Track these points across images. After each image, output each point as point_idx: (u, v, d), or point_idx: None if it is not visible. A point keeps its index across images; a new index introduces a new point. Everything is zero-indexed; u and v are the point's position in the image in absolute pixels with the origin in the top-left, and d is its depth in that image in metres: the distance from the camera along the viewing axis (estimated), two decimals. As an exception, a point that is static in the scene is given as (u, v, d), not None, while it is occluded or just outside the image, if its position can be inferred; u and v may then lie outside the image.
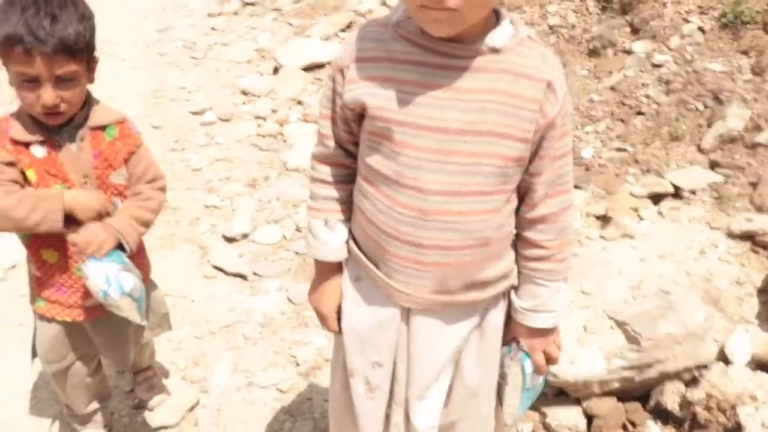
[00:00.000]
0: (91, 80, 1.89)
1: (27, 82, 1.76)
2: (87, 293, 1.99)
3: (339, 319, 1.71)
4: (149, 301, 2.20)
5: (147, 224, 2.03)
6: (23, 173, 1.85)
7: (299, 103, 4.77)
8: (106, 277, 1.85)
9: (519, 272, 1.62)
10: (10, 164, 1.82)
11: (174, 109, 4.79)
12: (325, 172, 1.61)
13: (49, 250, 1.96)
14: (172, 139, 4.43)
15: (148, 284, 2.24)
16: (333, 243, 1.64)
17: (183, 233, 3.62)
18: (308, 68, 5.13)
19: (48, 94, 1.75)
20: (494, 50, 1.36)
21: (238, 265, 3.39)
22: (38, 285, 2.05)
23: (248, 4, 6.38)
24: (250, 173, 4.10)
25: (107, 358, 2.30)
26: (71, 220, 1.86)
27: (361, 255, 1.59)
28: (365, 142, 1.49)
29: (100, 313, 2.05)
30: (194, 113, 4.73)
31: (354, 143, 1.55)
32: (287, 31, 5.80)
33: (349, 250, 1.64)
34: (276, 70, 5.19)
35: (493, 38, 1.36)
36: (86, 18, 1.82)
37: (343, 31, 5.61)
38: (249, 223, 3.64)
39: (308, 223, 1.68)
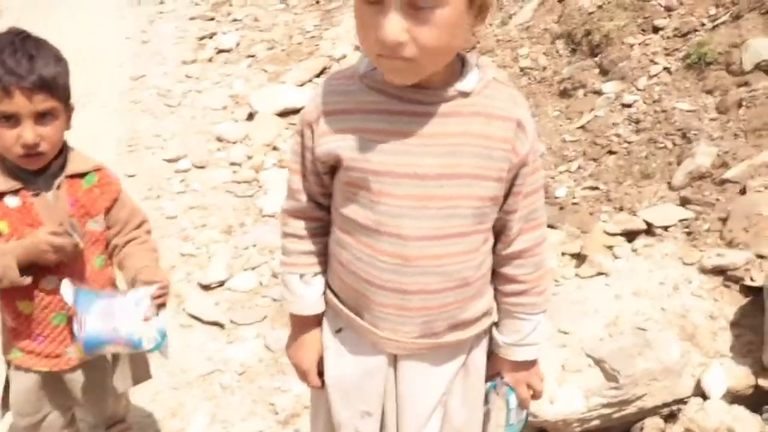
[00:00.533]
0: (68, 126, 1.89)
1: (5, 121, 1.74)
2: (64, 342, 1.97)
3: (320, 373, 1.69)
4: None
5: (158, 260, 2.04)
6: None
7: (274, 148, 4.79)
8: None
9: (499, 308, 1.62)
10: None
11: (148, 157, 4.80)
12: (298, 226, 1.61)
13: (24, 301, 1.92)
14: (146, 187, 4.42)
15: None
16: (310, 297, 1.63)
17: (158, 281, 3.58)
18: (283, 114, 5.17)
19: (28, 132, 1.74)
20: (463, 94, 1.38)
21: (215, 313, 3.36)
22: (14, 336, 2.01)
23: (222, 51, 6.44)
24: (226, 220, 4.09)
25: (84, 408, 2.25)
26: (38, 268, 1.84)
27: (341, 306, 1.58)
28: (340, 194, 1.49)
29: (81, 361, 2.02)
30: (169, 161, 4.74)
31: (326, 195, 1.55)
32: (262, 78, 5.86)
33: (328, 302, 1.64)
34: (251, 116, 5.22)
35: (463, 83, 1.38)
36: (61, 60, 1.83)
37: (317, 76, 5.67)
38: (225, 271, 3.62)
39: (282, 278, 1.67)
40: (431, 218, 1.41)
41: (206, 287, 3.55)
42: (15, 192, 1.83)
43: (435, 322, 1.51)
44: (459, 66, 1.40)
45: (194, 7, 7.48)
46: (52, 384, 2.09)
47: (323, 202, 1.57)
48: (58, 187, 1.88)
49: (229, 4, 7.51)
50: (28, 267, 1.82)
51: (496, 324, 1.64)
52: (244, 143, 4.89)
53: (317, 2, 7.07)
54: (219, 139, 4.96)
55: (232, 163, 4.68)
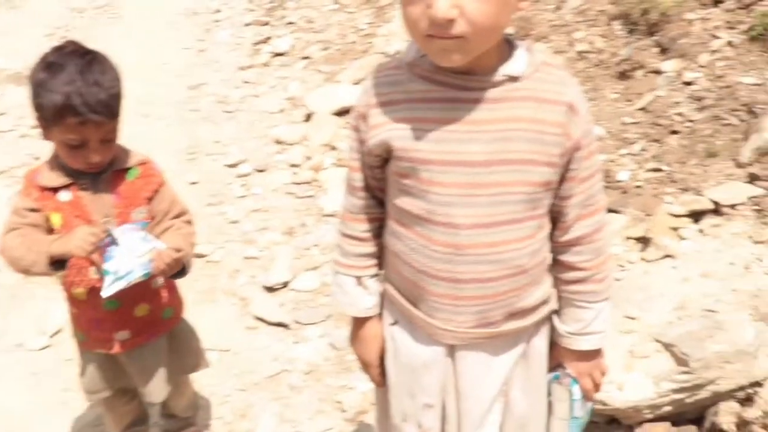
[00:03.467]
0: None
1: (74, 146, 1.88)
2: (116, 326, 2.12)
3: (383, 365, 1.70)
4: (184, 340, 2.36)
5: (192, 245, 2.12)
6: (48, 218, 1.97)
7: (333, 148, 4.80)
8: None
9: (560, 297, 1.59)
10: (33, 210, 1.96)
11: (209, 163, 4.86)
12: (358, 228, 1.61)
13: (79, 288, 2.06)
14: (208, 193, 4.48)
15: (180, 323, 2.35)
16: (366, 300, 1.65)
17: (223, 286, 3.64)
18: (339, 113, 5.16)
19: (96, 155, 1.90)
20: (513, 79, 1.36)
21: (280, 314, 3.39)
22: (75, 320, 2.20)
23: (278, 54, 6.48)
24: (287, 221, 4.12)
25: (142, 389, 2.34)
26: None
27: (400, 297, 1.58)
28: (393, 185, 1.50)
29: (132, 345, 2.16)
30: (229, 166, 4.79)
31: (381, 190, 1.55)
32: (317, 79, 5.87)
33: (386, 294, 1.63)
34: (308, 117, 5.24)
35: (510, 67, 1.36)
36: (117, 80, 1.93)
37: (372, 74, 5.66)
38: (288, 272, 3.64)
39: (337, 279, 1.68)
40: (481, 205, 1.39)
41: (270, 289, 3.58)
42: (66, 187, 1.97)
43: (491, 311, 1.49)
44: (507, 50, 1.38)
45: (249, 14, 7.54)
46: (111, 365, 2.25)
47: (381, 196, 1.57)
48: (104, 181, 2.00)
49: (282, 8, 7.54)
50: (64, 261, 1.92)
51: (557, 312, 1.60)
52: (303, 144, 4.90)
53: (369, 0, 7.07)
54: (277, 142, 4.99)
55: (292, 165, 4.70)
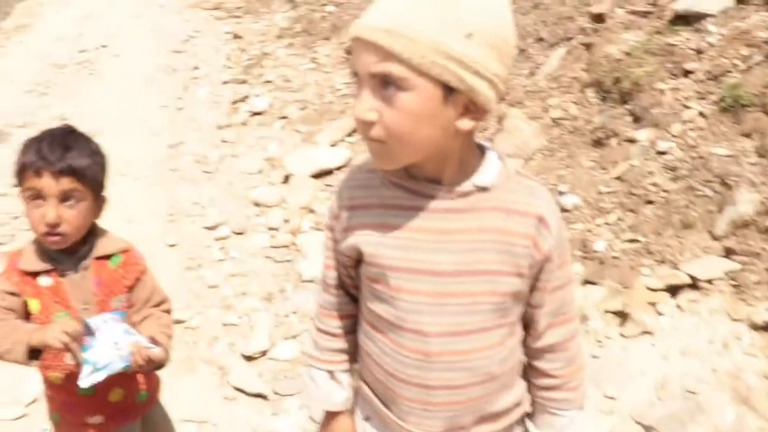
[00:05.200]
0: (97, 215, 2.00)
1: (33, 200, 1.87)
2: (91, 411, 2.08)
3: None
4: (158, 424, 2.31)
5: (169, 337, 2.08)
6: (26, 303, 1.94)
7: (311, 211, 4.82)
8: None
9: (533, 401, 1.59)
10: (11, 293, 1.93)
11: (188, 225, 4.85)
12: (331, 324, 1.61)
13: (55, 373, 2.03)
14: (187, 256, 4.47)
15: (155, 405, 2.31)
16: (338, 395, 1.64)
17: (201, 354, 3.61)
18: (317, 175, 5.21)
19: (51, 210, 1.85)
20: (482, 189, 1.36)
21: (258, 385, 3.36)
22: (50, 401, 2.16)
23: (256, 113, 6.53)
24: (266, 287, 4.11)
25: None
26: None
27: (373, 396, 1.58)
28: (365, 287, 1.50)
29: (105, 430, 2.12)
30: (208, 228, 4.79)
31: (356, 288, 1.56)
32: (295, 139, 5.92)
33: (359, 390, 1.63)
34: (286, 179, 5.27)
35: (480, 177, 1.36)
36: (97, 154, 1.95)
37: (349, 135, 5.71)
38: (267, 340, 3.63)
39: (309, 372, 1.67)
40: (451, 314, 1.39)
41: (249, 358, 3.56)
42: (47, 272, 1.96)
43: (462, 416, 1.48)
44: (478, 159, 1.39)
45: (227, 71, 7.61)
46: None
47: (355, 294, 1.58)
48: (86, 268, 1.99)
49: (260, 66, 7.63)
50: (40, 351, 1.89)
51: (530, 416, 1.60)
52: (281, 207, 4.93)
53: (347, 60, 7.15)
54: (256, 204, 5.01)
55: (270, 228, 4.71)
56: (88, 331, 1.86)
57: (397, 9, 1.20)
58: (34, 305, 1.95)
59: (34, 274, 1.95)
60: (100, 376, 1.85)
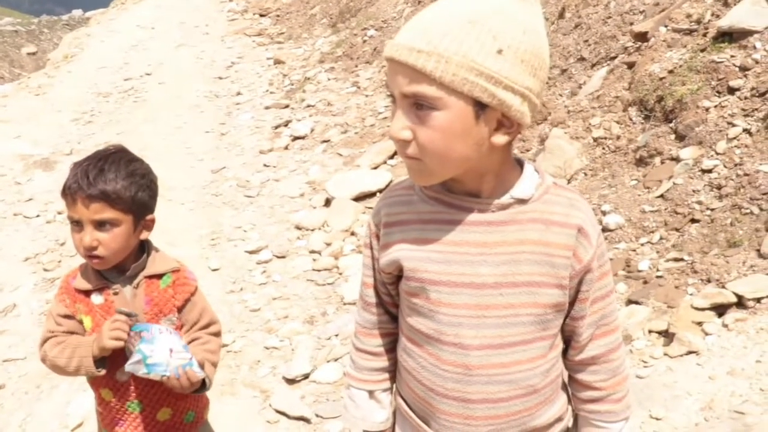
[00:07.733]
0: (139, 236, 2.01)
1: (74, 225, 1.93)
2: (139, 429, 2.11)
3: None
4: None
5: (214, 364, 2.10)
6: (81, 322, 2.00)
7: (352, 233, 4.84)
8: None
9: (577, 415, 1.57)
10: (67, 317, 2.00)
11: (230, 249, 4.90)
12: (371, 343, 1.61)
13: (105, 389, 2.07)
14: (230, 280, 4.51)
15: (204, 425, 2.30)
16: (378, 414, 1.63)
17: (243, 378, 3.63)
18: (358, 198, 5.23)
19: (87, 237, 1.90)
20: (521, 201, 1.37)
21: (300, 408, 3.36)
22: (101, 419, 2.18)
23: (298, 137, 6.60)
24: (308, 310, 4.13)
25: None
26: (112, 360, 1.97)
27: (411, 413, 1.57)
28: (404, 302, 1.50)
29: None
30: (250, 252, 4.83)
31: (395, 305, 1.56)
32: (337, 162, 5.96)
33: (399, 409, 1.63)
34: (328, 202, 5.30)
35: (519, 190, 1.37)
36: (136, 176, 1.97)
37: (391, 158, 5.73)
38: (309, 363, 3.63)
39: (348, 392, 1.67)
40: (491, 327, 1.39)
41: (291, 381, 3.57)
42: (99, 290, 2.01)
43: (503, 430, 1.47)
44: (516, 172, 1.40)
45: (269, 96, 7.72)
46: None
47: (394, 312, 1.58)
48: (136, 286, 2.03)
49: (302, 90, 7.71)
50: (104, 358, 1.96)
51: (570, 430, 1.58)
52: (323, 230, 4.95)
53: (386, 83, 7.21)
54: (298, 227, 5.05)
55: (312, 251, 4.73)
56: (145, 329, 1.90)
57: (427, 29, 1.22)
58: (87, 322, 2.00)
59: (87, 293, 2.01)
60: (141, 370, 1.88)
